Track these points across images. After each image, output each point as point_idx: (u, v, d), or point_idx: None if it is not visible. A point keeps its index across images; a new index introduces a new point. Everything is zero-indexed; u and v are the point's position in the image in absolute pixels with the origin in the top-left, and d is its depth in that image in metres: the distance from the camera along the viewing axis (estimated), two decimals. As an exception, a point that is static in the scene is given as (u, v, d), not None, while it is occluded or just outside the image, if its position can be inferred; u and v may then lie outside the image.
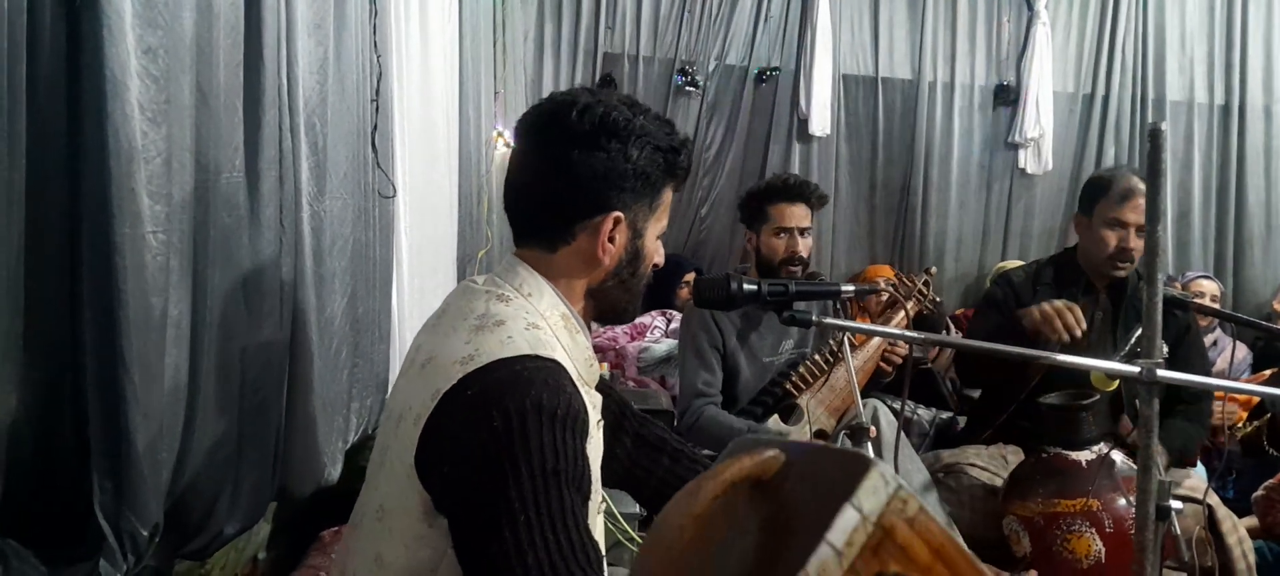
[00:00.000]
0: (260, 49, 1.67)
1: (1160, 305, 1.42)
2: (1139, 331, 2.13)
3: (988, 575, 0.46)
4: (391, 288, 2.53)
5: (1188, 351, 2.71)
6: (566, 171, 1.26)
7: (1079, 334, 2.34)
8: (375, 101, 2.30)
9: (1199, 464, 2.82)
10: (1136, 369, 1.42)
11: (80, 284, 1.31)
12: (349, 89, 2.13)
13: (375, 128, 2.30)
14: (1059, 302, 2.38)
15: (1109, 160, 5.10)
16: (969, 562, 0.44)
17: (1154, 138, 1.51)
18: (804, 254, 2.79)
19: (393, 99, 2.48)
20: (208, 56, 1.50)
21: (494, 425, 1.09)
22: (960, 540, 0.46)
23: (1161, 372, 1.39)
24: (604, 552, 1.31)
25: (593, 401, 1.31)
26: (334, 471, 2.06)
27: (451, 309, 1.31)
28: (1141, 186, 2.53)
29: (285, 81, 1.77)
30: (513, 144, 1.42)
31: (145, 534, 1.36)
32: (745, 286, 1.67)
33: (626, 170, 1.27)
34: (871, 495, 0.42)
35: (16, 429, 1.30)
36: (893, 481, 0.44)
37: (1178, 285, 4.40)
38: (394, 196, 2.46)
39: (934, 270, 3.14)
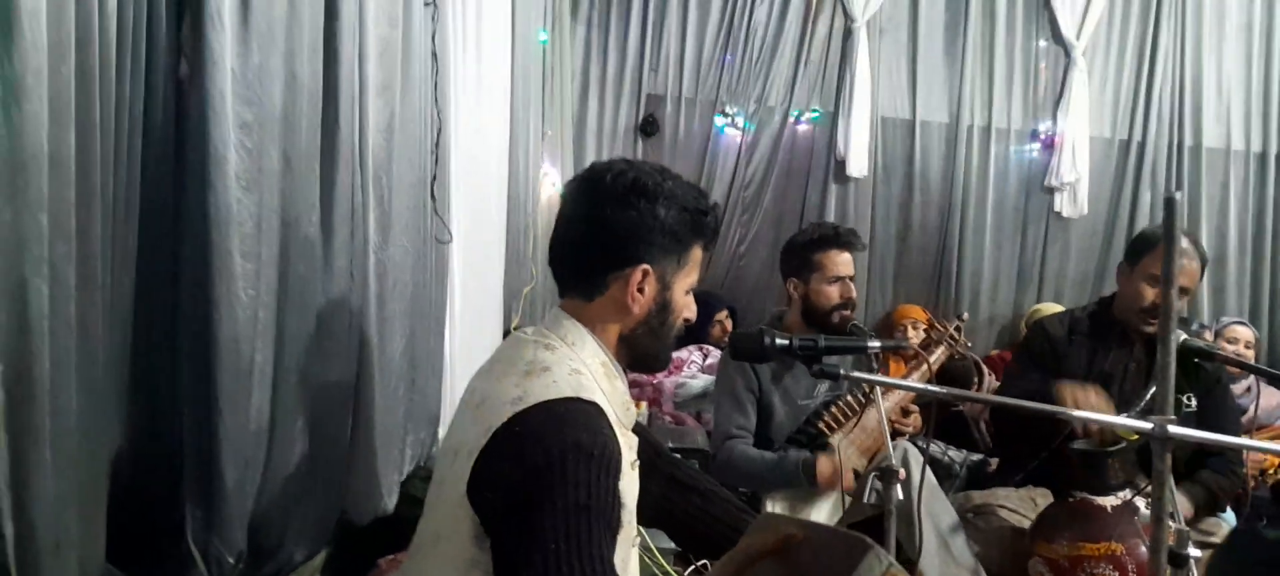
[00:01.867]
0: (336, 114, 1.82)
1: (1173, 364, 1.49)
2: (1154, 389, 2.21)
3: None
4: (444, 326, 2.68)
5: (1217, 402, 2.76)
6: (600, 227, 1.41)
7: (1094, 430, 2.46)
8: (434, 153, 2.46)
9: (1229, 509, 2.87)
10: (1150, 425, 1.50)
11: (180, 335, 1.47)
12: (412, 143, 2.28)
13: (434, 177, 2.45)
14: (1091, 391, 2.47)
15: (1145, 206, 5.12)
16: None
17: (1168, 206, 1.60)
18: (854, 298, 2.88)
19: (450, 148, 2.63)
20: (293, 125, 1.65)
21: (536, 460, 1.21)
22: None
23: (1173, 429, 1.47)
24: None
25: (628, 442, 1.43)
26: (390, 501, 2.19)
27: (503, 356, 1.45)
28: (1189, 248, 2.60)
29: (357, 141, 1.93)
30: (559, 195, 1.56)
31: (231, 560, 1.51)
32: (777, 341, 1.79)
33: (654, 227, 1.40)
34: (868, 572, 0.53)
35: (119, 463, 1.46)
36: (885, 560, 0.55)
37: (1211, 332, 4.41)
38: (450, 242, 2.60)
39: (966, 316, 3.23)
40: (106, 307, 1.33)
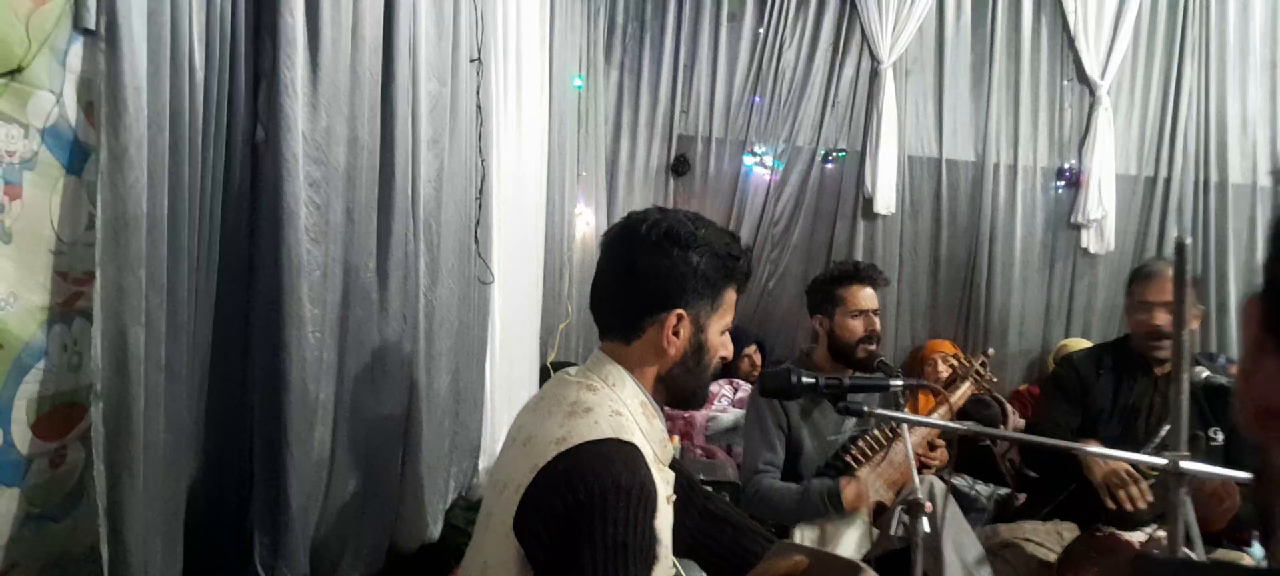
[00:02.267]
0: (392, 169, 1.96)
1: (1186, 401, 1.57)
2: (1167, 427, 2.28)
3: None
4: (485, 363, 2.80)
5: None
6: (636, 275, 1.49)
7: (1143, 506, 2.51)
8: (478, 199, 2.59)
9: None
10: (1164, 460, 1.58)
11: (252, 374, 1.60)
12: (458, 190, 2.42)
13: (478, 222, 2.59)
14: (1127, 473, 2.54)
15: (1171, 241, 5.14)
16: None
17: (1179, 252, 1.70)
18: (878, 331, 2.97)
19: (492, 193, 2.76)
20: (354, 181, 1.79)
21: (578, 498, 1.29)
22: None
23: (1185, 464, 1.55)
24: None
25: (664, 478, 1.52)
26: (436, 529, 2.31)
27: (548, 396, 1.54)
28: (1167, 270, 2.70)
29: (410, 192, 2.07)
30: (595, 234, 1.67)
31: (295, 582, 1.63)
32: (804, 380, 1.87)
33: (687, 273, 1.48)
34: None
35: (195, 492, 1.59)
36: (874, 578, 0.66)
37: (1236, 368, 4.43)
38: (492, 282, 2.73)
39: (992, 352, 3.29)
40: (189, 349, 1.47)
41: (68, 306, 1.29)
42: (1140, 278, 2.79)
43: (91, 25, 1.22)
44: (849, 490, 2.67)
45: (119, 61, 1.23)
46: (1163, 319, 2.68)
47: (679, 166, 5.11)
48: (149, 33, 1.28)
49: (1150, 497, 2.51)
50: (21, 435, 1.23)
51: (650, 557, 1.35)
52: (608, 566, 1.26)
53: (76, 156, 1.27)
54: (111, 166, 1.23)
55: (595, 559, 1.26)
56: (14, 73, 1.12)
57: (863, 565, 0.63)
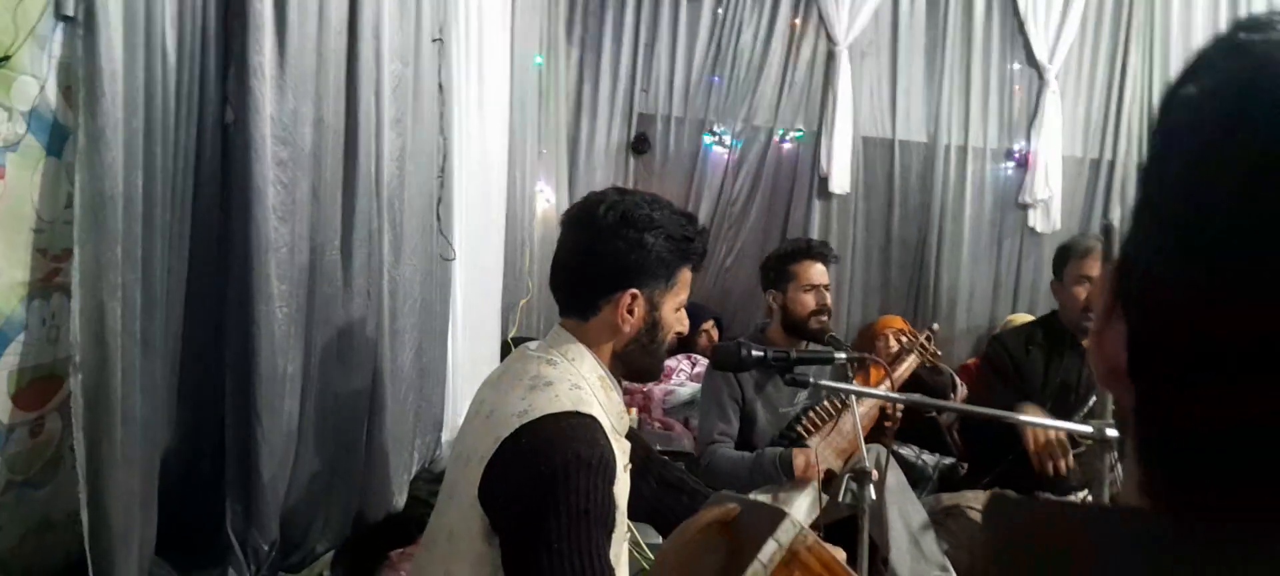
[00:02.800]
0: (356, 148, 2.02)
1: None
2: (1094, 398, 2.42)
3: None
4: (448, 338, 2.86)
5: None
6: (593, 255, 1.55)
7: (1064, 472, 2.63)
8: (440, 177, 2.65)
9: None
10: (1089, 428, 1.69)
11: (223, 348, 1.66)
12: (421, 169, 2.47)
13: (439, 200, 2.65)
14: (1055, 438, 2.65)
15: (1115, 221, 5.32)
16: (847, 572, 0.75)
17: (1106, 233, 1.82)
18: (829, 305, 3.07)
19: (454, 172, 2.82)
20: (320, 161, 1.85)
21: (541, 470, 1.35)
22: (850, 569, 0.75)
23: (1110, 432, 1.66)
24: (628, 576, 1.59)
25: (621, 448, 1.58)
26: (400, 499, 2.38)
27: (510, 370, 1.60)
28: (1098, 244, 2.82)
29: (374, 171, 2.12)
30: (555, 211, 1.73)
31: (266, 548, 1.70)
32: (753, 353, 1.95)
33: (642, 255, 1.54)
34: (785, 532, 0.73)
35: (169, 462, 1.65)
36: (798, 525, 0.75)
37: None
38: (453, 259, 2.79)
39: (937, 327, 3.42)
40: (163, 324, 1.53)
41: (47, 282, 1.34)
42: (1076, 254, 2.87)
43: (71, 12, 1.27)
44: (799, 459, 2.77)
45: (96, 47, 1.28)
46: (1097, 293, 2.79)
47: (639, 145, 5.16)
48: (124, 19, 1.33)
49: (1073, 465, 2.63)
50: (2, 405, 1.29)
51: (610, 524, 1.41)
52: (571, 533, 1.32)
53: (56, 138, 1.32)
54: (89, 147, 1.29)
55: (560, 526, 1.32)
56: (4, 60, 1.17)
57: (787, 512, 0.72)
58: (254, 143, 1.60)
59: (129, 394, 1.40)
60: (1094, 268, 2.83)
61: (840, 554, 0.79)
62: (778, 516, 0.72)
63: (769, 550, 0.71)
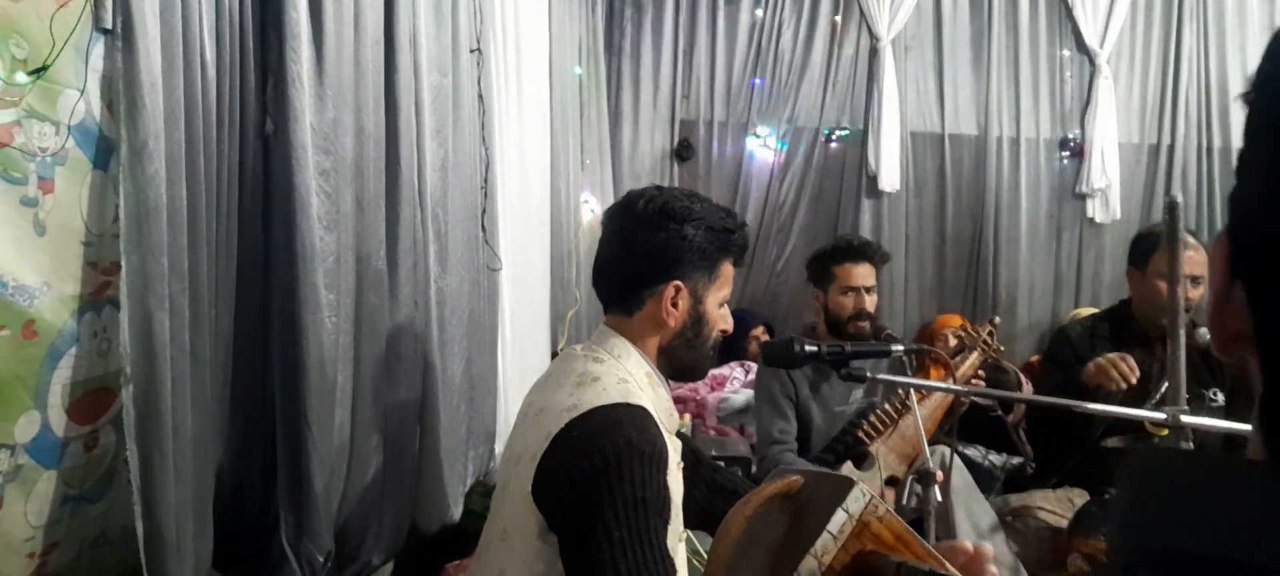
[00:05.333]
0: (398, 158, 2.02)
1: (1182, 357, 1.60)
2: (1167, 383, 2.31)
3: (938, 554, 0.72)
4: (497, 349, 2.85)
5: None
6: (633, 249, 1.55)
7: (1134, 380, 2.48)
8: (484, 187, 2.65)
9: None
10: (1163, 415, 1.60)
11: (272, 359, 1.66)
12: (464, 180, 2.47)
13: (484, 210, 2.64)
14: (1112, 354, 2.52)
15: (1179, 198, 5.14)
16: (922, 544, 0.70)
17: (1171, 210, 1.74)
18: (870, 309, 3.00)
19: (497, 182, 2.81)
20: (362, 171, 1.85)
21: (594, 461, 1.34)
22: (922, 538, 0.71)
23: (1185, 419, 1.58)
24: (682, 576, 1.55)
25: (673, 445, 1.57)
26: (456, 511, 2.36)
27: (557, 370, 1.59)
28: (1191, 239, 2.67)
29: (417, 181, 2.12)
30: (600, 221, 1.71)
31: (321, 559, 1.69)
32: (806, 348, 1.90)
33: (683, 246, 1.53)
34: (855, 501, 0.69)
35: (222, 473, 1.65)
36: (868, 493, 0.70)
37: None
38: (500, 269, 2.78)
39: (998, 321, 3.32)
40: (212, 336, 1.53)
41: (98, 295, 1.35)
42: (1159, 245, 2.71)
43: (109, 25, 1.28)
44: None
45: (135, 59, 1.29)
46: (1190, 293, 2.64)
47: (682, 151, 5.14)
48: (162, 31, 1.34)
49: (1137, 371, 2.47)
50: (57, 419, 1.29)
51: (666, 513, 1.39)
52: (630, 521, 1.31)
53: (102, 151, 1.33)
54: (131, 159, 1.29)
55: (618, 516, 1.31)
56: (40, 71, 1.18)
57: (855, 480, 0.68)
58: (295, 152, 1.60)
59: (179, 405, 1.40)
60: (1194, 266, 2.64)
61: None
62: (845, 486, 0.68)
63: (838, 520, 0.67)
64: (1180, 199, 1.57)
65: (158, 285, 1.33)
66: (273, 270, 1.64)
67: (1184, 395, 1.69)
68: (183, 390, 1.40)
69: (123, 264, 1.29)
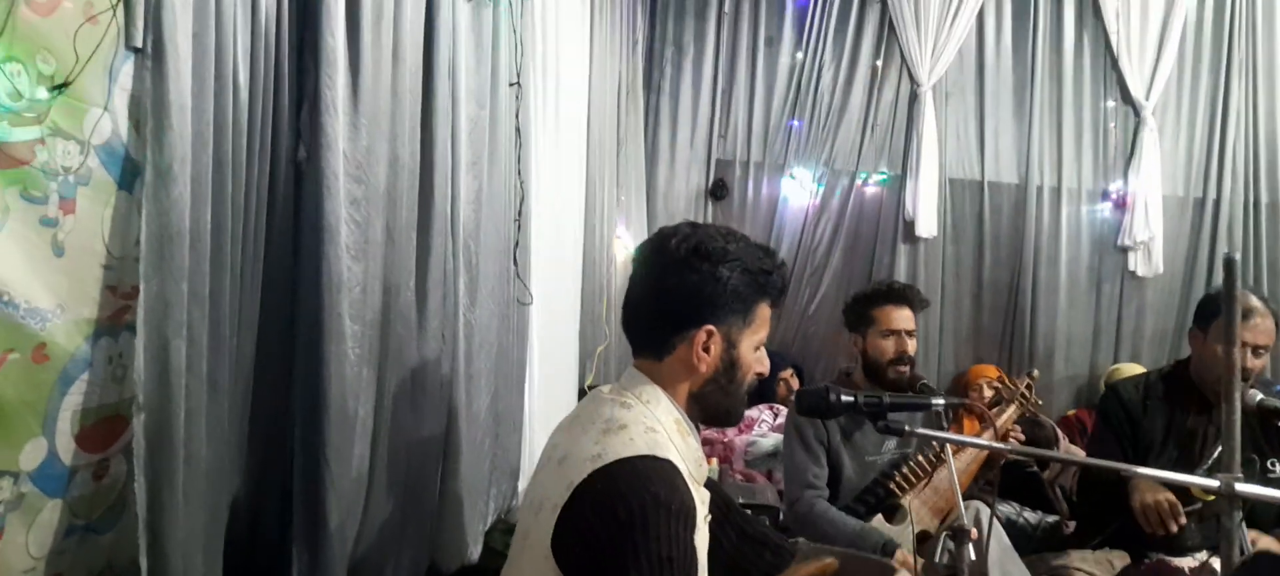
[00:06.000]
0: (432, 189, 1.98)
1: (1238, 420, 1.51)
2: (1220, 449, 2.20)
3: None
4: (525, 385, 2.80)
5: None
6: (665, 291, 1.47)
7: (1174, 531, 2.38)
8: (517, 221, 2.61)
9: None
10: (1216, 482, 1.51)
11: (293, 390, 1.62)
12: (498, 212, 2.43)
13: (517, 244, 2.60)
14: (1164, 499, 2.41)
15: (1221, 265, 5.01)
16: None
17: (1228, 268, 1.65)
18: (911, 353, 2.91)
19: (531, 216, 2.78)
20: (395, 200, 1.81)
21: (619, 516, 1.27)
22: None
23: (1240, 487, 1.49)
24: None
25: (701, 497, 1.49)
26: (475, 551, 2.30)
27: (583, 413, 1.52)
28: (1260, 306, 2.56)
29: (450, 212, 2.08)
30: (631, 259, 1.65)
31: (333, 599, 1.63)
32: (843, 397, 1.82)
33: (717, 289, 1.45)
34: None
35: (237, 507, 1.60)
36: (906, 578, 0.64)
37: (1287, 391, 4.28)
38: (530, 304, 2.74)
39: (1037, 374, 3.22)
40: (232, 365, 1.49)
41: (116, 320, 1.32)
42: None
43: (139, 43, 1.25)
44: (903, 557, 2.59)
45: (164, 79, 1.26)
46: (1252, 363, 2.54)
47: (717, 191, 5.11)
48: (194, 52, 1.31)
49: (1185, 523, 2.38)
50: (66, 446, 1.25)
51: (693, 572, 1.33)
52: None
53: (128, 173, 1.30)
54: (155, 181, 1.26)
55: (641, 574, 1.24)
56: (62, 87, 1.15)
57: (895, 567, 0.61)
58: (326, 179, 1.56)
59: (193, 436, 1.36)
60: (1249, 335, 2.51)
61: None
62: (885, 570, 0.61)
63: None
64: (1237, 257, 1.48)
65: (177, 311, 1.29)
66: (298, 299, 1.60)
67: (1238, 460, 1.60)
68: (198, 419, 1.36)
69: (141, 288, 1.26)
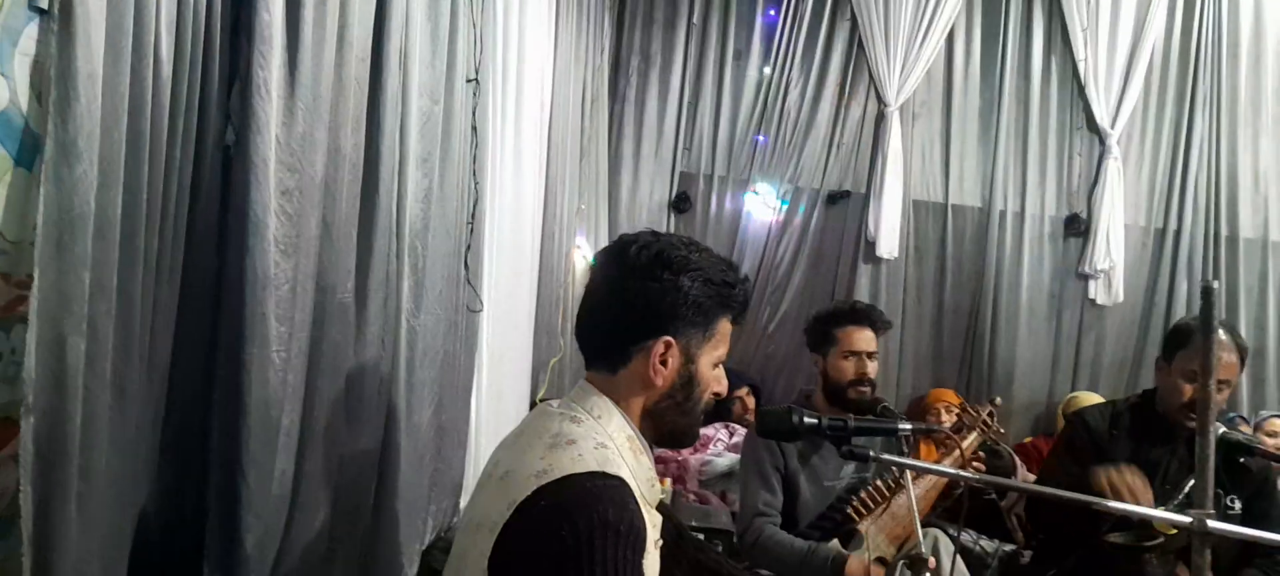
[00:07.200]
0: (376, 184, 1.86)
1: (1212, 456, 1.45)
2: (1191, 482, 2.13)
3: None
4: (472, 396, 2.67)
5: (1267, 503, 2.64)
6: (623, 299, 1.38)
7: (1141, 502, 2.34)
8: (470, 223, 2.49)
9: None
10: (1188, 519, 1.44)
11: (212, 395, 1.48)
12: (449, 213, 2.31)
13: (468, 247, 2.48)
14: (1128, 472, 2.38)
15: (1181, 294, 5.05)
16: None
17: (1206, 296, 1.57)
18: (871, 375, 2.85)
19: (485, 219, 2.66)
20: (333, 193, 1.69)
21: (563, 536, 1.17)
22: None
23: (1212, 523, 1.42)
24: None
25: (652, 520, 1.39)
26: (410, 571, 2.17)
27: (529, 428, 1.42)
28: (1226, 340, 2.52)
29: (395, 210, 1.96)
30: (590, 267, 1.55)
31: (248, 626, 1.49)
32: (806, 420, 1.74)
33: (678, 300, 1.37)
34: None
35: (144, 524, 1.46)
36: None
37: (1249, 426, 4.29)
38: (481, 311, 2.62)
39: (999, 401, 3.17)
40: (144, 367, 1.35)
41: (9, 311, 1.17)
42: (1192, 343, 2.53)
43: (44, 4, 1.12)
44: (855, 568, 2.53)
45: (72, 44, 1.13)
46: (1214, 398, 2.50)
47: (680, 203, 5.04)
48: (108, 16, 1.18)
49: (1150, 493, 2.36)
50: (-56, 453, 1.11)
51: None
52: None
53: (27, 148, 1.16)
54: (57, 158, 1.12)
55: None
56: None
57: None
58: (255, 166, 1.43)
59: (92, 443, 1.22)
60: (1223, 369, 2.48)
61: None
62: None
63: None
64: (1216, 284, 1.42)
65: (77, 305, 1.16)
66: (222, 297, 1.47)
67: (1211, 497, 1.53)
68: (98, 426, 1.22)
69: (35, 277, 1.12)
